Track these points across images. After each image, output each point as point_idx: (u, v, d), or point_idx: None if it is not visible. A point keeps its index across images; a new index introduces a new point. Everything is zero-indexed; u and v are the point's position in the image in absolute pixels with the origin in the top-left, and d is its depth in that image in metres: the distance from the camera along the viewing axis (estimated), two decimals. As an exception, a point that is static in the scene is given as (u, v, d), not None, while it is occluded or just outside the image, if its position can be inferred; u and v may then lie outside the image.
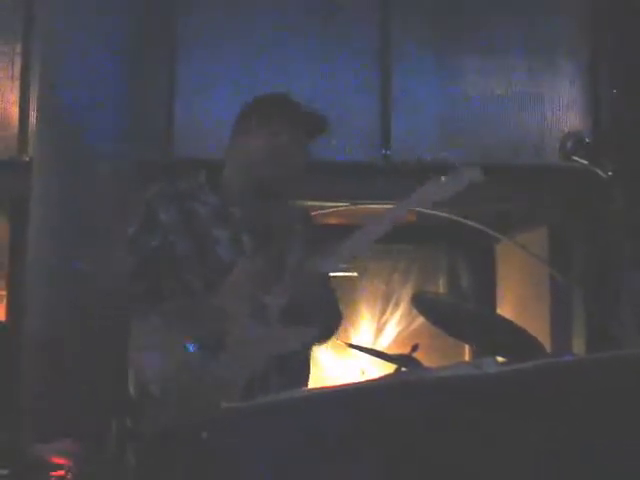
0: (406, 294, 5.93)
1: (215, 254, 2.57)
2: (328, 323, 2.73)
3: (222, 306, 2.47)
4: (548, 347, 3.84)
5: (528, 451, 0.94)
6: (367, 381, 1.19)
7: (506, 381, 0.92)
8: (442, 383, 0.95)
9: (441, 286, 6.44)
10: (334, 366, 5.84)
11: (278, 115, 2.62)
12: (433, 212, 5.59)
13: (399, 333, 5.96)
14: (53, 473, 2.67)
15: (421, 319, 5.47)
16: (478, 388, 0.93)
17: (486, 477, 0.96)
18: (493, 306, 5.97)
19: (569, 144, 1.69)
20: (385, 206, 5.61)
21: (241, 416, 1.13)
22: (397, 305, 5.98)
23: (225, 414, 1.08)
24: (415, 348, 3.54)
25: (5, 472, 2.62)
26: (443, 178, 2.53)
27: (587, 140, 1.70)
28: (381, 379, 1.42)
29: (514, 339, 2.90)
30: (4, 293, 5.85)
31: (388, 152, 5.39)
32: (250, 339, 2.46)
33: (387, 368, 4.39)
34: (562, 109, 5.47)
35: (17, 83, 5.51)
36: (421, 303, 3.44)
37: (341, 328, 2.79)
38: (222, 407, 1.08)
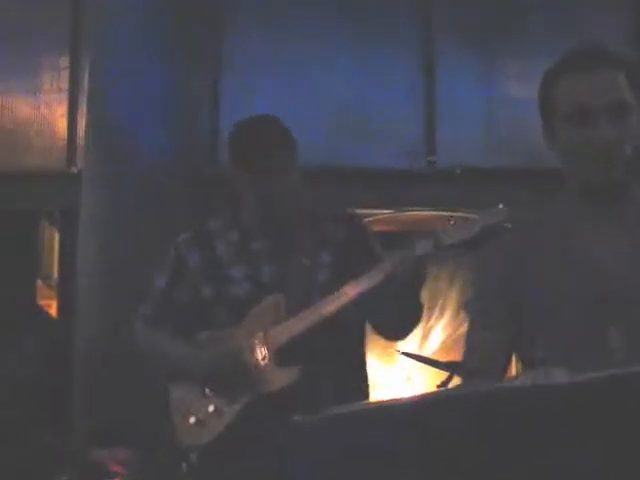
0: (451, 300, 5.90)
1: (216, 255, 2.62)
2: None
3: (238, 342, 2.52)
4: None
5: (600, 466, 0.93)
6: (430, 393, 1.20)
7: (580, 392, 0.91)
8: (513, 394, 0.95)
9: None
10: (380, 373, 5.82)
11: (244, 166, 2.53)
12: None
13: (445, 340, 5.93)
14: (108, 481, 2.70)
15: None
16: (551, 399, 0.93)
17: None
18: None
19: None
20: (431, 212, 5.62)
21: (307, 429, 1.15)
22: (442, 311, 5.95)
23: (293, 427, 1.10)
24: (465, 355, 3.51)
25: (64, 478, 2.65)
26: (470, 218, 2.50)
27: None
28: (442, 392, 1.42)
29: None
30: (54, 303, 5.93)
31: (433, 159, 5.39)
32: (245, 378, 2.50)
33: (434, 375, 4.38)
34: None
35: (65, 95, 5.60)
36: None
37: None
38: (292, 420, 1.09)
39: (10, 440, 2.68)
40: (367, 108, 5.41)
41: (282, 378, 2.48)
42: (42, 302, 6.05)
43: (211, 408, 2.55)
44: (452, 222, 2.51)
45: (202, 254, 2.65)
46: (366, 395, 2.72)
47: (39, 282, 6.11)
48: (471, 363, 1.87)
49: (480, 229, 2.46)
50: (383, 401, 1.16)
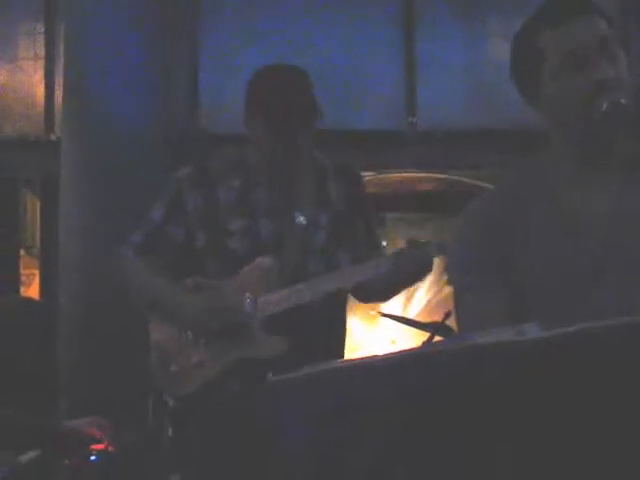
0: (434, 262, 5.91)
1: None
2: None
3: (227, 298, 2.50)
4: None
5: (574, 420, 0.93)
6: (404, 350, 1.20)
7: (552, 346, 0.91)
8: (483, 350, 0.95)
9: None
10: (363, 336, 5.84)
11: (271, 115, 2.48)
12: (459, 179, 5.57)
13: (428, 301, 5.94)
14: (94, 446, 2.70)
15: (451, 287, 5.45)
16: (523, 354, 0.93)
17: (530, 448, 0.96)
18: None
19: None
20: (413, 174, 5.61)
21: (282, 387, 1.15)
22: (426, 273, 5.96)
23: (269, 386, 1.10)
24: (448, 315, 3.52)
25: (36, 453, 2.63)
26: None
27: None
28: (419, 348, 1.43)
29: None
30: (37, 272, 5.91)
31: (414, 120, 5.36)
32: (231, 337, 2.49)
33: (417, 337, 4.40)
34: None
35: (41, 63, 5.53)
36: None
37: None
38: (267, 379, 1.09)
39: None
40: (347, 70, 5.38)
41: (271, 346, 2.46)
42: (25, 272, 6.03)
43: (194, 359, 2.53)
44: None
45: (203, 199, 2.59)
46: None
47: (22, 252, 6.09)
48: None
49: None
50: (362, 358, 1.16)
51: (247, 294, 2.50)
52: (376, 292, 2.66)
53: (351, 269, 2.56)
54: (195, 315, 2.52)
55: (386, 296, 2.73)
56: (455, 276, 1.84)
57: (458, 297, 1.81)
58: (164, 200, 2.64)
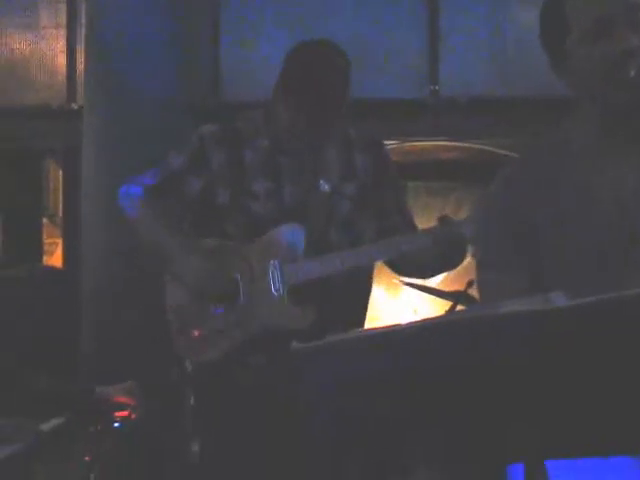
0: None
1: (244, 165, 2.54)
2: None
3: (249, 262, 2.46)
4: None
5: (602, 388, 0.93)
6: (427, 319, 1.19)
7: (578, 315, 0.90)
8: (509, 319, 0.94)
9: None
10: (386, 306, 5.84)
11: (300, 96, 2.45)
12: (484, 147, 5.53)
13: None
14: (118, 413, 2.71)
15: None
16: (550, 323, 0.92)
17: (558, 417, 0.95)
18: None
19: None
20: (436, 142, 5.57)
21: (305, 355, 1.15)
22: (448, 242, 5.93)
23: (291, 354, 1.10)
24: (470, 284, 3.51)
25: (59, 421, 2.63)
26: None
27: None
28: (439, 317, 1.42)
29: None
30: (59, 241, 5.94)
31: (436, 88, 5.31)
32: (255, 303, 2.45)
33: (440, 306, 4.39)
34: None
35: (63, 31, 5.52)
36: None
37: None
38: (291, 347, 1.09)
39: (6, 385, 2.67)
40: (370, 38, 5.33)
41: (298, 318, 2.42)
42: (48, 241, 6.07)
43: (217, 326, 2.49)
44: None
45: (227, 157, 2.55)
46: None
47: (45, 221, 6.12)
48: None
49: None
50: (383, 327, 1.16)
51: (272, 261, 2.47)
52: (411, 270, 2.65)
53: (382, 243, 2.53)
54: (209, 278, 2.47)
55: (422, 275, 2.71)
56: (477, 252, 1.85)
57: (479, 274, 1.81)
58: (185, 151, 2.59)
